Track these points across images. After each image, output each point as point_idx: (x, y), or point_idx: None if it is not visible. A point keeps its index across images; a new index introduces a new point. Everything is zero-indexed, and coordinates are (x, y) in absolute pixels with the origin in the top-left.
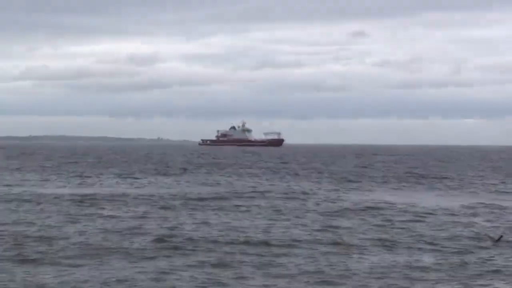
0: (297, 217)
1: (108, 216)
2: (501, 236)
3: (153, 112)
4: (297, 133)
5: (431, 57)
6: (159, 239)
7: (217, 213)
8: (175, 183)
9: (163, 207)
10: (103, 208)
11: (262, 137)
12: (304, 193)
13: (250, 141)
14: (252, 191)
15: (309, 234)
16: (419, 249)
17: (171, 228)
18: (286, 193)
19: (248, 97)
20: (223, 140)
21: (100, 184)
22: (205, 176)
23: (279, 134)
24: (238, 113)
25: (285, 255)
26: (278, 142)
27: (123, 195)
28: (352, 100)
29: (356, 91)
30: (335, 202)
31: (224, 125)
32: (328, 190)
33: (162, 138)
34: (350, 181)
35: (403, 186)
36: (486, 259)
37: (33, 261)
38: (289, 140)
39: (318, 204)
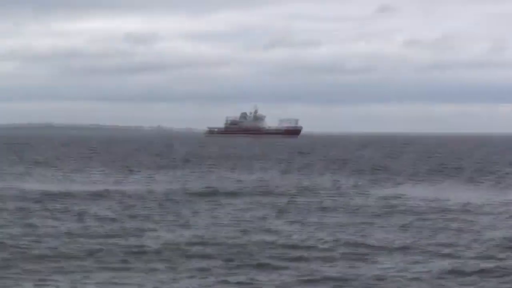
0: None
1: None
2: None
3: (153, 97)
4: (315, 120)
5: (466, 35)
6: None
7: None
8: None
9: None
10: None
11: (277, 125)
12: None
13: (263, 130)
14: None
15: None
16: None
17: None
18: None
19: (259, 80)
20: (232, 128)
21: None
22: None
23: (296, 121)
24: (248, 98)
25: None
26: (295, 131)
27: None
28: (377, 83)
29: (381, 73)
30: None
31: (233, 112)
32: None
33: (163, 126)
34: (378, 174)
35: (436, 180)
36: None
37: None
38: (306, 128)
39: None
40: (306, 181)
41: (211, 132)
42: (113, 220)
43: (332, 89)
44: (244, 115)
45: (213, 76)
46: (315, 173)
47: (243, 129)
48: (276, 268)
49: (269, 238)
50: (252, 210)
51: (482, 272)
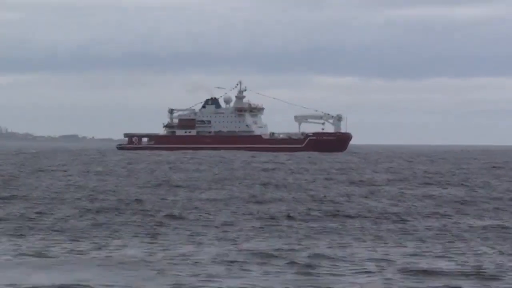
0: None
1: None
2: None
3: None
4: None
5: None
6: None
7: None
8: None
9: None
10: None
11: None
12: None
13: (264, 137)
14: None
15: None
16: None
17: None
18: None
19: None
20: (183, 136)
21: None
22: None
23: (339, 118)
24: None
25: None
26: (340, 140)
27: None
28: None
29: None
30: None
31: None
32: None
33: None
34: None
35: None
36: None
37: None
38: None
39: None
40: None
41: (128, 144)
42: None
43: None
44: (213, 105)
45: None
46: None
47: (213, 138)
48: None
49: None
50: None
51: None
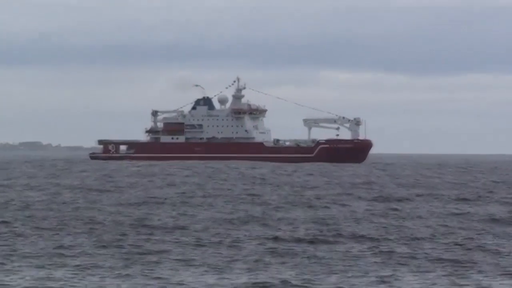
0: None
1: None
2: None
3: None
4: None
5: None
6: None
7: None
8: None
9: None
10: None
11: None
12: None
13: (261, 145)
14: None
15: None
16: None
17: None
18: None
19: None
20: (169, 144)
21: None
22: None
23: (357, 122)
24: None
25: None
26: (359, 148)
27: None
28: None
29: None
30: None
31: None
32: None
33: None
34: None
35: None
36: None
37: None
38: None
39: None
40: None
41: (104, 152)
42: None
43: None
44: (206, 102)
45: None
46: None
47: (200, 144)
48: None
49: None
50: None
51: None
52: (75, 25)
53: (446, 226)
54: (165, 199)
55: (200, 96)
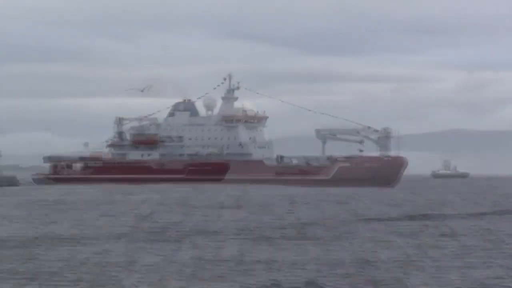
0: None
1: None
2: None
3: None
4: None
5: None
6: None
7: None
8: None
9: None
10: None
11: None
12: None
13: (260, 163)
14: None
15: None
16: None
17: None
18: None
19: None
20: (138, 162)
21: None
22: None
23: (387, 134)
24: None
25: None
26: (390, 169)
27: None
28: None
29: None
30: None
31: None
32: None
33: None
34: None
35: None
36: None
37: None
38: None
39: None
40: None
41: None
42: None
43: None
44: (186, 107)
45: None
46: None
47: (180, 162)
48: None
49: None
50: None
51: None
52: None
53: None
54: None
55: (179, 99)
